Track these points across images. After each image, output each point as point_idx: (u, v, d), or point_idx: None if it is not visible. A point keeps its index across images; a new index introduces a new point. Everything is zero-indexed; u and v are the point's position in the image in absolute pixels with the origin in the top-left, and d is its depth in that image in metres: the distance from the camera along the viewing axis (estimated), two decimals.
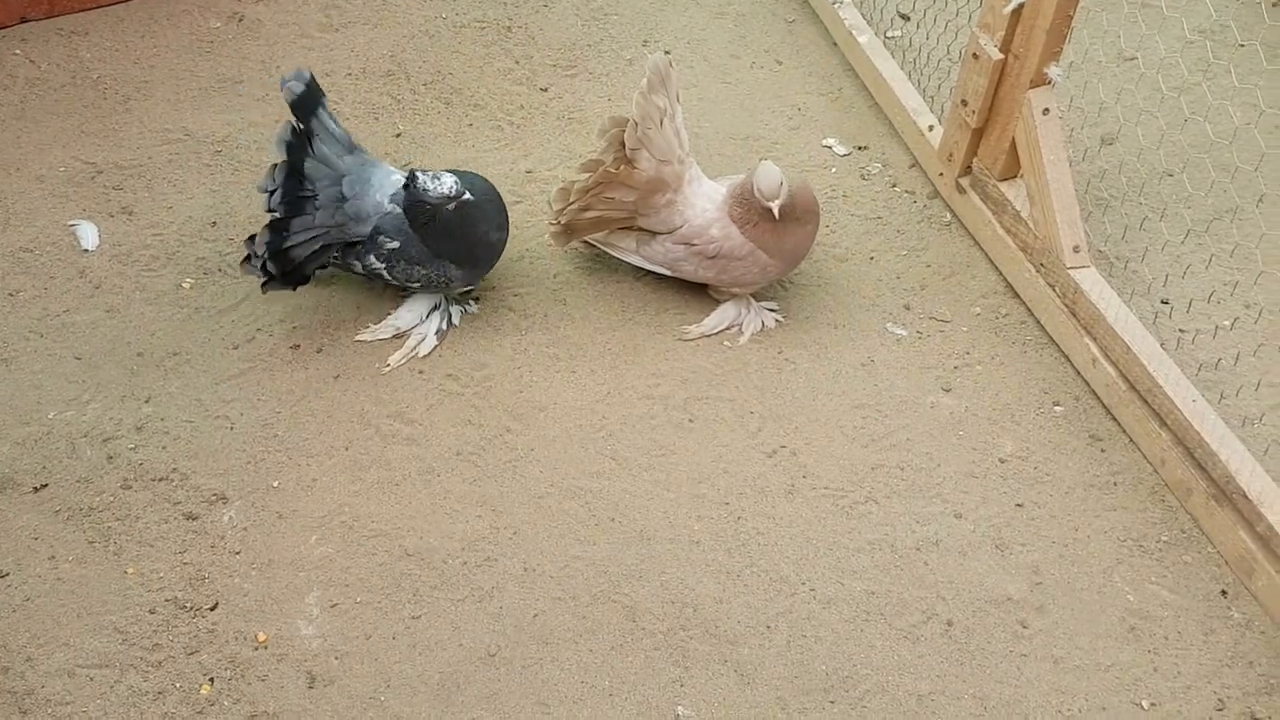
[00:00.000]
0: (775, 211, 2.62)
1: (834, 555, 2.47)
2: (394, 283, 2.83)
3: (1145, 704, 2.25)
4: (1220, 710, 2.23)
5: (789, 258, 2.78)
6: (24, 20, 3.52)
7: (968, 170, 2.92)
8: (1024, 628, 2.36)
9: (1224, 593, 2.39)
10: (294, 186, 2.71)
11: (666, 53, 3.50)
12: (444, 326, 2.89)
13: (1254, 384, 2.65)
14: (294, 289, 2.84)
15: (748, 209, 2.71)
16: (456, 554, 2.50)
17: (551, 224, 2.92)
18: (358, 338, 2.85)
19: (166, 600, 2.41)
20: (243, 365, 2.82)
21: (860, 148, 3.29)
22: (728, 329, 2.89)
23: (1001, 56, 2.65)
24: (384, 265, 2.76)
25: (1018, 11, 2.57)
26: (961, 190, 2.96)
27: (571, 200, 2.83)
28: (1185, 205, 3.01)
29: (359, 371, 2.81)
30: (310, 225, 2.73)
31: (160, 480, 2.61)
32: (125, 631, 2.37)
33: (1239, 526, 2.32)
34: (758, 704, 2.27)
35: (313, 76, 2.72)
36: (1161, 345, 2.61)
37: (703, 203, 2.78)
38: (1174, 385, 2.42)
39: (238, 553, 2.50)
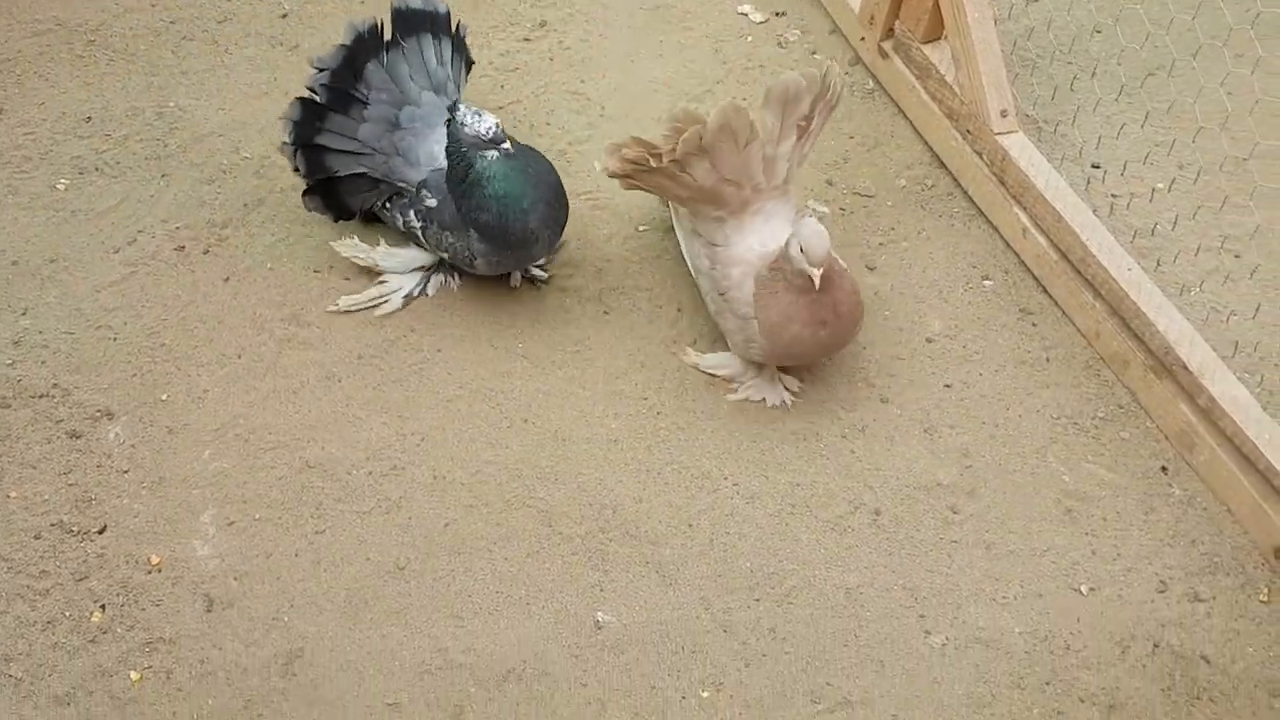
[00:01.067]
0: (815, 280, 2.13)
1: (758, 448, 2.36)
2: (426, 249, 2.56)
3: (1084, 588, 2.17)
4: (1162, 592, 2.16)
5: (780, 350, 2.31)
6: None
7: (890, 33, 2.75)
8: (954, 514, 2.27)
9: (1164, 469, 2.31)
10: (347, 79, 2.49)
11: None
12: (415, 293, 2.61)
13: (1192, 249, 2.54)
14: (335, 219, 2.62)
15: (775, 272, 2.24)
16: (361, 464, 2.35)
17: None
18: (337, 305, 2.57)
19: (52, 524, 2.26)
20: (124, 270, 2.63)
21: (778, 13, 3.10)
22: (726, 379, 2.47)
23: None
24: (420, 225, 2.50)
25: None
26: (884, 55, 2.79)
27: (616, 164, 2.42)
28: (1117, 62, 2.86)
29: (250, 273, 2.62)
30: (352, 135, 2.49)
31: (40, 397, 2.43)
32: (9, 559, 2.21)
33: (1179, 399, 2.23)
34: (680, 605, 2.17)
35: (449, 11, 2.53)
36: (1094, 213, 2.49)
37: (752, 241, 2.33)
38: (1107, 254, 2.30)
39: (126, 471, 2.34)
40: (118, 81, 2.94)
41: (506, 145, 2.30)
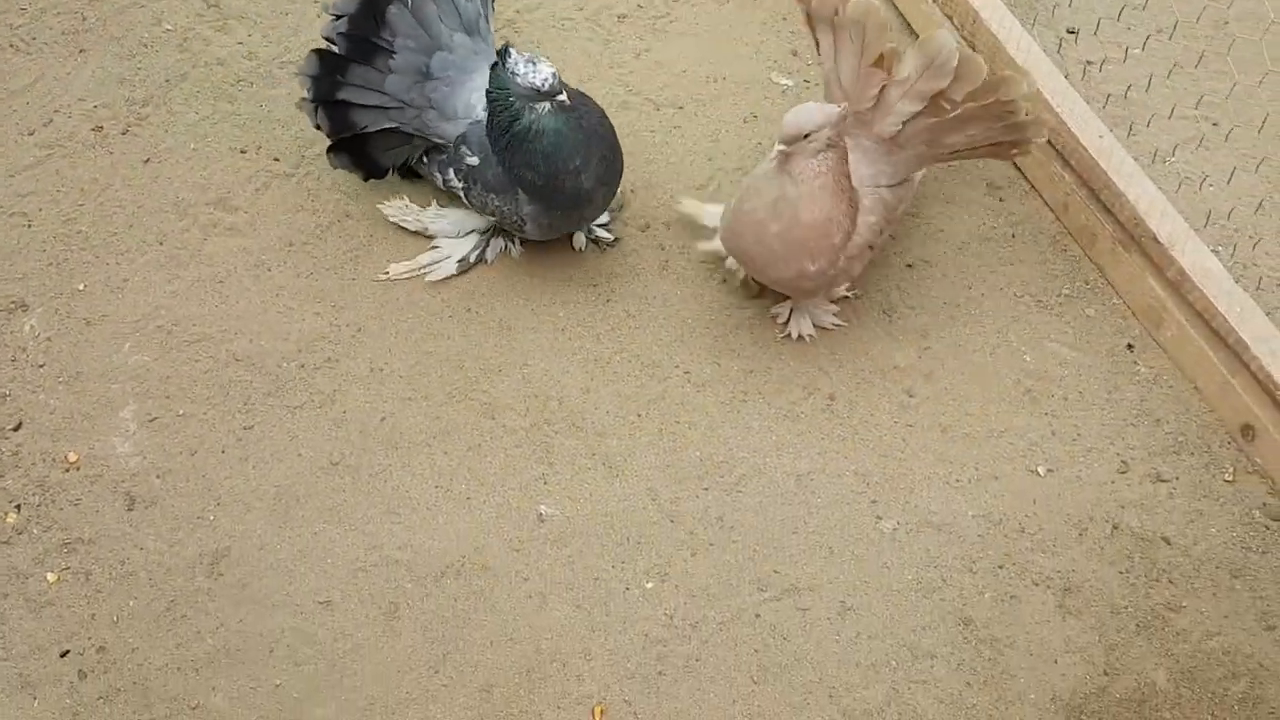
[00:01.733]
0: (774, 153, 1.93)
1: (710, 334, 2.25)
2: (473, 209, 2.31)
3: (1041, 470, 2.08)
4: (1123, 472, 2.07)
5: (726, 234, 2.10)
6: None
7: None
8: (910, 396, 2.16)
9: (1130, 347, 2.20)
10: (368, 26, 2.19)
11: None
12: (473, 260, 2.34)
13: (1166, 113, 2.40)
14: (365, 177, 2.34)
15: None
16: (292, 356, 2.24)
17: None
18: (387, 274, 2.34)
19: None
20: (40, 153, 2.47)
21: None
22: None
23: None
24: (462, 186, 2.24)
25: None
26: None
27: None
28: None
29: (172, 154, 2.47)
30: (378, 88, 2.21)
31: None
32: None
33: (1147, 273, 2.11)
34: (626, 496, 2.08)
35: None
36: (1066, 78, 2.35)
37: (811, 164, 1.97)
38: (1079, 120, 2.16)
39: (41, 365, 2.22)
40: None
41: (563, 97, 2.03)
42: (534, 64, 2.02)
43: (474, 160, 2.18)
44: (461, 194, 2.26)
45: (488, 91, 2.11)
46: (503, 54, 2.06)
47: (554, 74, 2.02)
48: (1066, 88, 2.21)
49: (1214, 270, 1.98)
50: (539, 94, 2.03)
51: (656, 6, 2.69)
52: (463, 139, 2.19)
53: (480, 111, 2.16)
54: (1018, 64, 2.26)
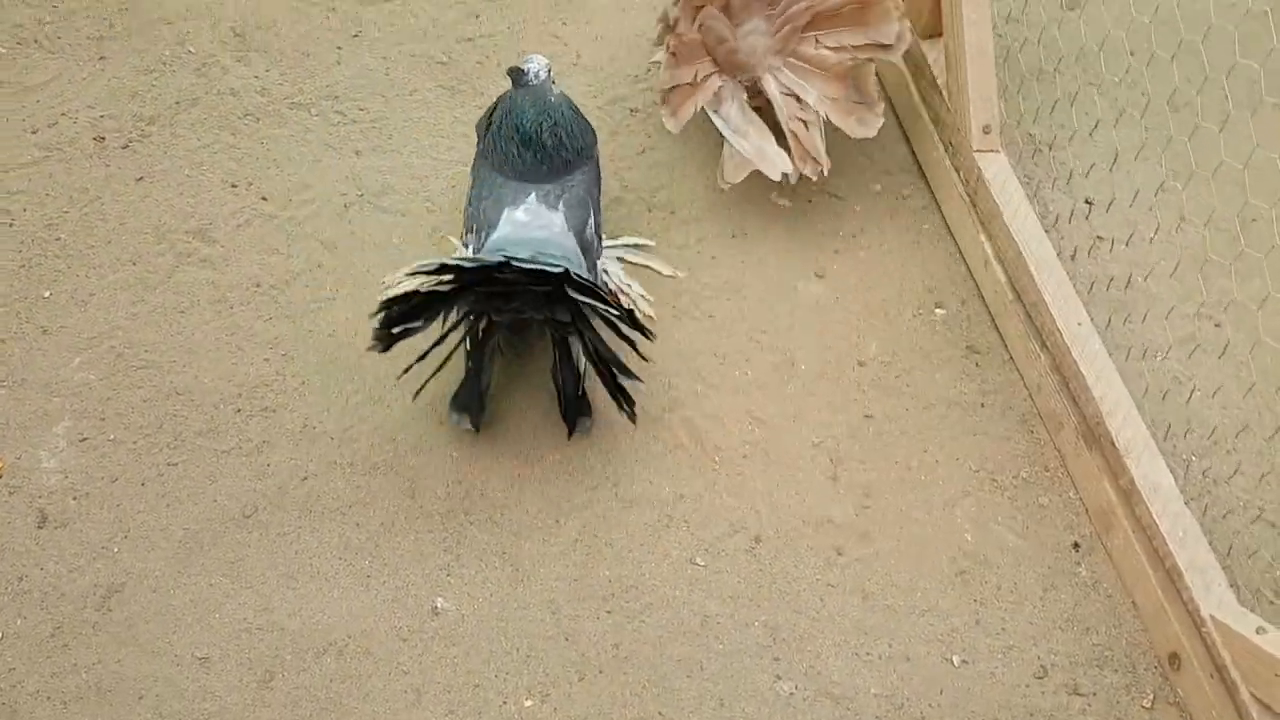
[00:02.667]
0: None
1: (649, 450, 2.18)
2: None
3: (956, 659, 1.97)
4: (1040, 678, 1.96)
5: None
6: None
7: None
8: (839, 554, 2.07)
9: (1076, 546, 2.09)
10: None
11: None
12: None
13: (1166, 308, 2.29)
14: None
15: None
16: (231, 399, 2.21)
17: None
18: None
19: None
20: (38, 153, 2.49)
21: None
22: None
23: None
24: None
25: None
26: None
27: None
28: (1141, 92, 2.58)
29: (165, 176, 2.48)
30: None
31: None
32: None
33: (1104, 475, 2.00)
34: (526, 605, 2.01)
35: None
36: (1074, 253, 2.26)
37: None
38: (1061, 302, 2.07)
39: None
40: None
41: (530, 79, 2.13)
42: (530, 58, 2.15)
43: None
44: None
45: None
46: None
47: (547, 65, 2.15)
48: (1055, 265, 2.12)
49: (1164, 486, 1.87)
50: (520, 74, 2.14)
51: None
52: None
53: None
54: (1011, 231, 2.18)
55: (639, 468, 2.16)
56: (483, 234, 2.13)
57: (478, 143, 2.24)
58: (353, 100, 2.62)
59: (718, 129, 2.39)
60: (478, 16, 2.77)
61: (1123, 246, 2.35)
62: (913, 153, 2.54)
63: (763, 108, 2.41)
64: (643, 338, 2.01)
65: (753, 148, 2.36)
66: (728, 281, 2.38)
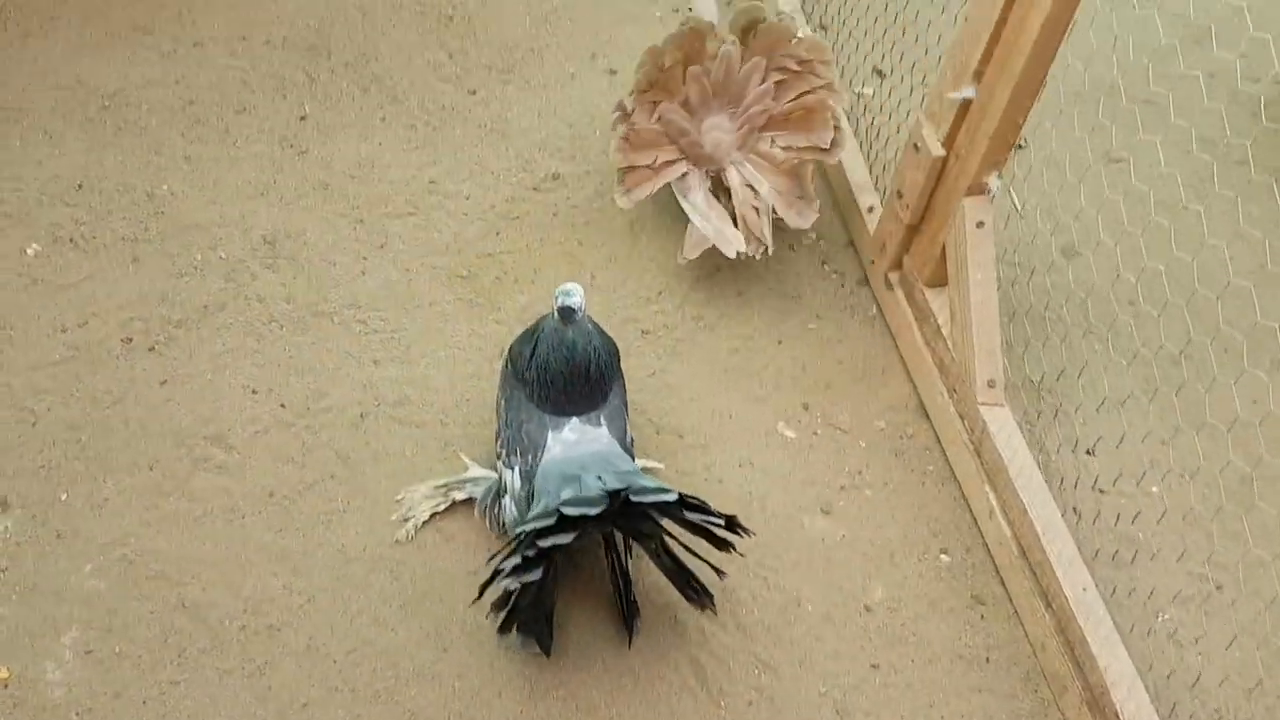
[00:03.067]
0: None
1: (654, 691, 2.17)
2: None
3: None
4: None
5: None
6: None
7: (898, 265, 2.59)
8: None
9: None
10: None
11: (613, 72, 3.19)
12: (489, 502, 2.31)
13: (1169, 566, 2.32)
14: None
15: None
16: (237, 615, 2.22)
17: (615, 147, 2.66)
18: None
19: None
20: (66, 352, 2.54)
21: None
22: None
23: (943, 154, 2.31)
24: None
25: (966, 105, 2.24)
26: (889, 286, 2.63)
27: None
28: (1143, 344, 2.66)
29: (188, 380, 2.52)
30: None
31: None
32: None
33: None
34: None
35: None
36: (1076, 507, 2.30)
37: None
38: (1065, 566, 2.10)
39: (4, 570, 2.24)
40: (119, 154, 2.88)
41: (577, 313, 2.16)
42: (570, 293, 2.17)
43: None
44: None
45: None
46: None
47: (581, 299, 2.17)
48: (1061, 527, 2.16)
49: None
50: (571, 313, 2.16)
51: (682, 328, 2.71)
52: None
53: None
54: (1016, 488, 2.22)
55: (644, 710, 2.15)
56: (529, 456, 2.18)
57: (507, 365, 2.29)
58: (374, 310, 2.69)
59: (684, 210, 2.71)
60: (498, 233, 2.86)
61: (1123, 500, 2.40)
62: (917, 392, 2.60)
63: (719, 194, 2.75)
64: (739, 536, 2.12)
65: (712, 229, 2.67)
66: (735, 513, 2.41)
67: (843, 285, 2.81)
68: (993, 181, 2.24)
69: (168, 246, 2.76)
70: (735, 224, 2.67)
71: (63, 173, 2.84)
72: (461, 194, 2.92)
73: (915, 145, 2.38)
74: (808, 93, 2.67)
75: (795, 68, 2.67)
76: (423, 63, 3.16)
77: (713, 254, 2.81)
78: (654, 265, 2.83)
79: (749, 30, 2.68)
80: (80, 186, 2.82)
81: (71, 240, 2.74)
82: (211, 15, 3.17)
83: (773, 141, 2.71)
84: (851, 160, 2.88)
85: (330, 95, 3.07)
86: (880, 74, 3.20)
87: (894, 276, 2.61)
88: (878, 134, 2.98)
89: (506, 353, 2.32)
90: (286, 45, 3.15)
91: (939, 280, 2.46)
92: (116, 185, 2.84)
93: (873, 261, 2.71)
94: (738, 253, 2.64)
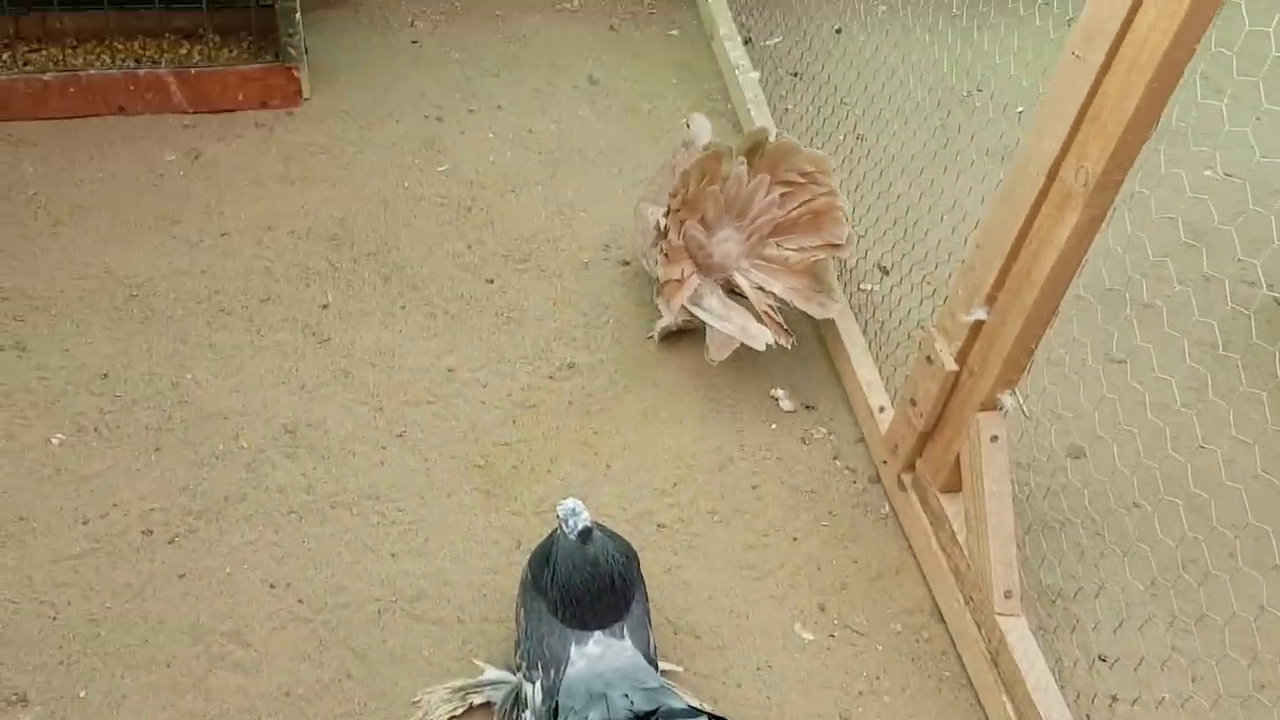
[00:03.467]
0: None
1: None
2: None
3: None
4: None
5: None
6: None
7: (911, 468, 2.65)
8: None
9: None
10: None
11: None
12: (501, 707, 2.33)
13: None
14: None
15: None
16: None
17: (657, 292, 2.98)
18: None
19: None
20: (87, 545, 2.56)
21: (808, 406, 3.03)
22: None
23: (956, 369, 2.39)
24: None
25: (978, 325, 2.33)
26: (903, 487, 2.68)
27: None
28: (1150, 546, 2.70)
29: (207, 574, 2.54)
30: None
31: None
32: None
33: None
34: None
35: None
36: (1089, 716, 2.31)
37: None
38: None
39: None
40: (145, 342, 2.95)
41: (583, 525, 2.19)
42: (578, 512, 2.19)
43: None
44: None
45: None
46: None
47: (588, 521, 2.19)
48: None
49: None
50: (588, 533, 2.19)
51: (697, 522, 2.75)
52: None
53: None
54: (1034, 701, 2.24)
55: None
56: (551, 671, 2.18)
57: (526, 575, 2.32)
58: (393, 501, 2.73)
59: (700, 318, 2.95)
60: (515, 421, 2.92)
61: (1147, 711, 2.41)
62: (932, 596, 2.63)
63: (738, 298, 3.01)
64: None
65: (736, 328, 2.88)
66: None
67: (854, 482, 2.86)
68: (1006, 399, 2.31)
69: (190, 435, 2.80)
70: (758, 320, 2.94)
71: (89, 362, 2.91)
72: (479, 382, 2.99)
73: (928, 357, 2.46)
74: (813, 199, 2.95)
75: (799, 179, 2.94)
76: (442, 252, 3.27)
77: (726, 443, 2.88)
78: (669, 455, 2.88)
79: (755, 151, 2.94)
80: (106, 375, 2.88)
81: (96, 429, 2.79)
82: (238, 207, 3.29)
83: (780, 246, 2.99)
84: (860, 358, 2.97)
85: (352, 284, 3.16)
86: (884, 271, 3.32)
87: (907, 479, 2.67)
88: (887, 337, 3.08)
89: (526, 566, 2.34)
90: (311, 236, 3.25)
91: (953, 486, 2.52)
92: (142, 374, 2.90)
93: (885, 462, 2.77)
94: (767, 346, 2.88)
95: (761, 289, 2.97)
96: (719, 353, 2.91)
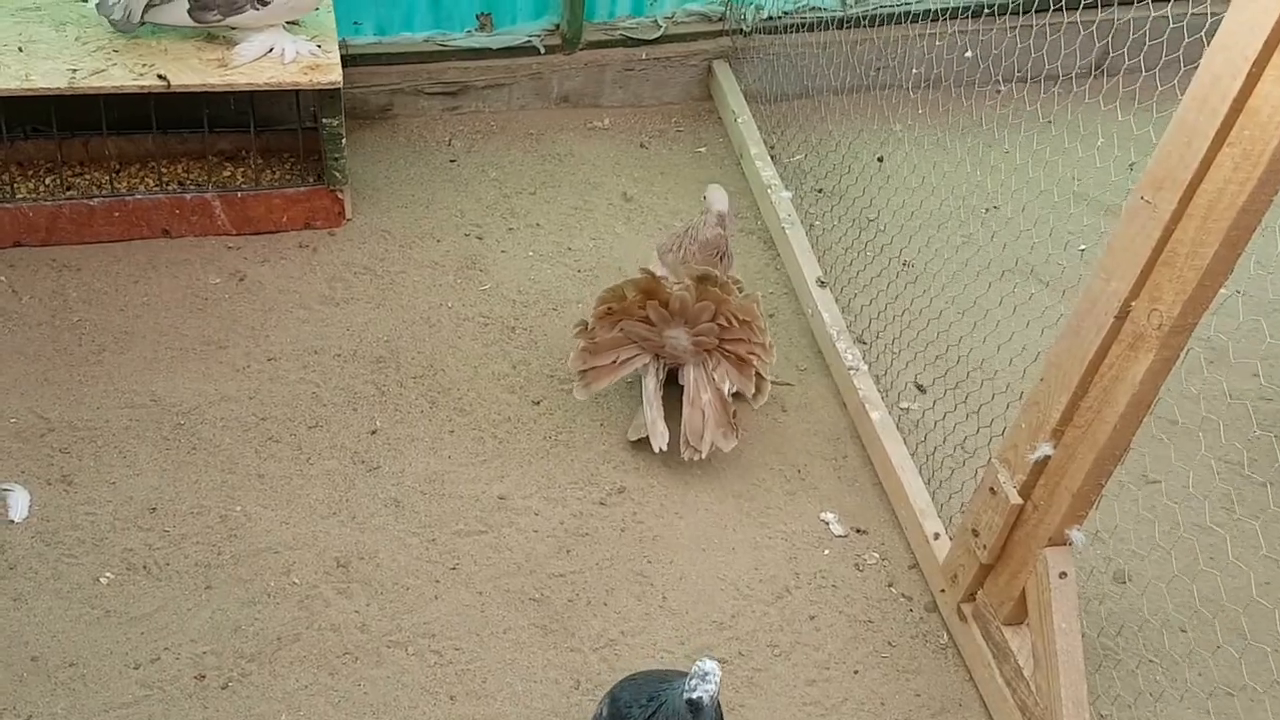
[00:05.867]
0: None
1: None
2: None
3: None
4: None
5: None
6: (17, 244, 3.37)
7: (972, 598, 2.62)
8: None
9: None
10: None
11: None
12: None
13: None
14: None
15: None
16: None
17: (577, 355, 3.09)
18: None
19: None
20: (139, 692, 2.52)
21: (859, 530, 3.00)
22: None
23: (1020, 502, 2.38)
24: None
25: (1043, 462, 2.31)
26: (963, 618, 2.65)
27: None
28: (1196, 672, 2.67)
29: None
30: None
31: None
32: None
33: None
34: None
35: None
36: None
37: None
38: None
39: None
40: (193, 473, 2.93)
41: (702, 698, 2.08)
42: (707, 676, 2.07)
43: None
44: None
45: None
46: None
47: (715, 687, 2.07)
48: None
49: None
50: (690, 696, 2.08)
51: (758, 656, 2.71)
52: None
53: None
54: None
55: None
56: None
57: (607, 710, 2.26)
58: (449, 639, 2.68)
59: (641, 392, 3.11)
60: (568, 551, 2.89)
61: None
62: None
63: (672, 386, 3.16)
64: None
65: (649, 419, 3.05)
66: None
67: (911, 610, 2.82)
68: (1076, 535, 2.29)
69: (240, 571, 2.77)
70: (683, 422, 3.06)
71: (136, 495, 2.88)
72: (531, 509, 2.96)
73: (991, 489, 2.44)
74: (739, 347, 3.08)
75: (735, 323, 3.05)
76: (488, 374, 3.26)
77: (781, 571, 2.86)
78: (725, 584, 2.85)
79: (703, 280, 3.05)
80: (154, 510, 2.86)
81: (144, 568, 2.75)
82: (284, 330, 3.28)
83: (716, 366, 3.10)
84: (912, 481, 2.95)
85: (400, 408, 3.15)
86: (921, 388, 3.31)
87: (967, 609, 2.63)
88: (932, 451, 3.06)
89: (609, 702, 2.28)
90: (356, 358, 3.25)
91: (1017, 618, 2.48)
92: (190, 507, 2.87)
93: (943, 590, 2.74)
94: (660, 450, 3.03)
95: (697, 387, 3.07)
96: (633, 433, 3.12)
